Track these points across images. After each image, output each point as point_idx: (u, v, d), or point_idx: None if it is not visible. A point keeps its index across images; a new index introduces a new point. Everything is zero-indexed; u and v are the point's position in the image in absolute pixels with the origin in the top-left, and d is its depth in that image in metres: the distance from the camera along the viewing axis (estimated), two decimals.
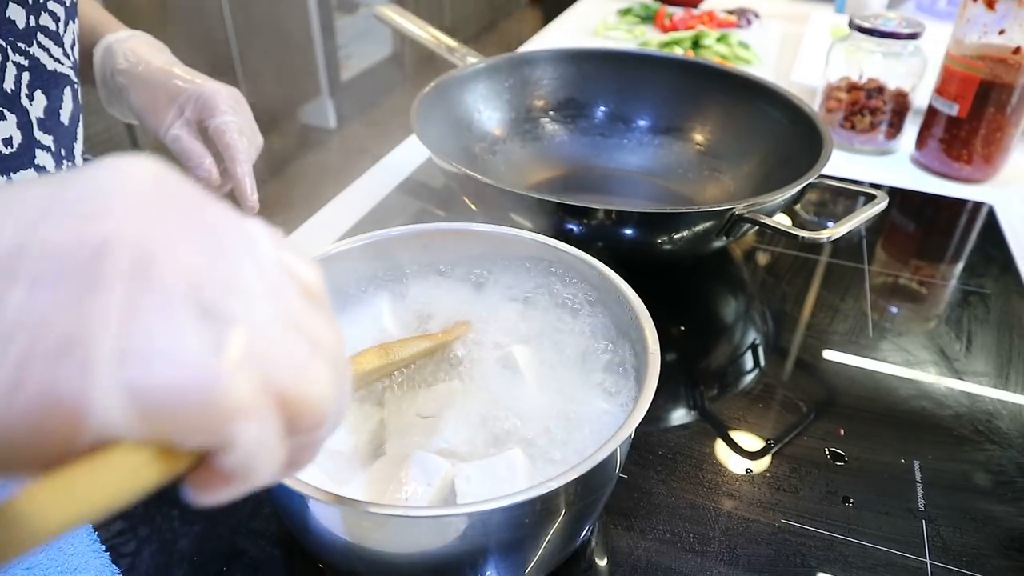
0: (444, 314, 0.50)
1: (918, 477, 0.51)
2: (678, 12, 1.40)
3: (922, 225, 0.85)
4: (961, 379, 0.60)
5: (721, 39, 1.28)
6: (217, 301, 0.19)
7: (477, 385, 0.46)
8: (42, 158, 0.54)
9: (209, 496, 0.20)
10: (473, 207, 0.70)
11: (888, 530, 0.48)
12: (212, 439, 0.19)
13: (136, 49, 0.62)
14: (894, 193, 0.88)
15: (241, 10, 2.31)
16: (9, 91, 0.50)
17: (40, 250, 0.18)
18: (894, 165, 0.96)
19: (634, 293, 0.46)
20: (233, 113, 0.60)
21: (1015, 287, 0.72)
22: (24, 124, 0.52)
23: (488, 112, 0.86)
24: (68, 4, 0.55)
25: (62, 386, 0.17)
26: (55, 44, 0.54)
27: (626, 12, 1.46)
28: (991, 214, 0.84)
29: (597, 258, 0.49)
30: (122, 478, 0.18)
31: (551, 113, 0.90)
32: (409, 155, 0.94)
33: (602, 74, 0.89)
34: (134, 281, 0.18)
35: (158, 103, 0.60)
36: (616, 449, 0.35)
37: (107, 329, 0.17)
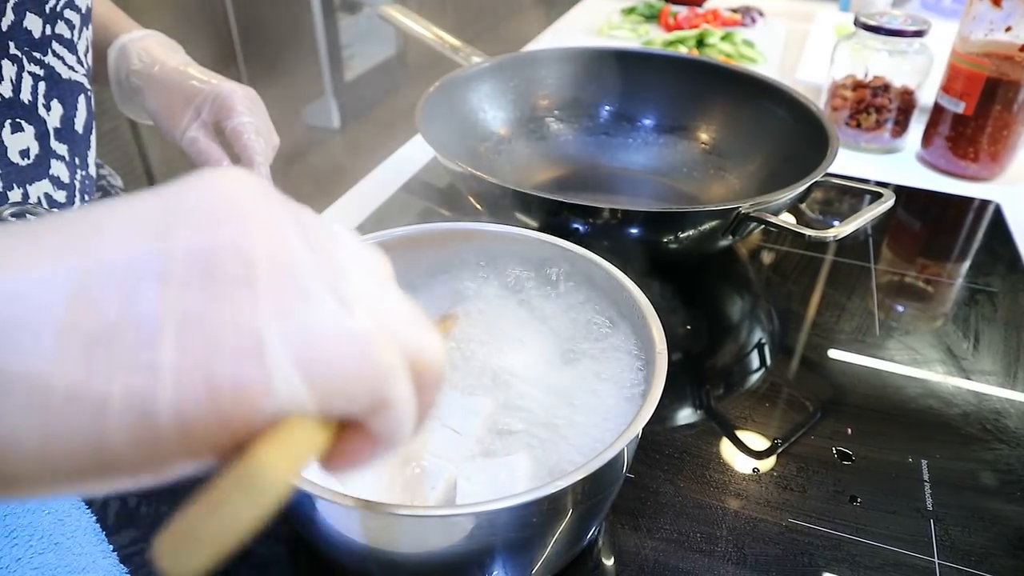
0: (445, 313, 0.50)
1: (926, 476, 0.51)
2: (682, 11, 1.40)
3: (928, 223, 0.84)
4: (969, 378, 0.60)
5: (725, 38, 1.28)
6: (339, 285, 0.21)
7: (480, 385, 0.46)
8: (57, 168, 0.54)
9: (356, 463, 0.22)
10: (478, 206, 0.70)
11: (896, 529, 0.47)
12: (373, 400, 0.21)
13: (150, 49, 0.62)
14: (900, 191, 0.88)
15: (244, 10, 2.31)
16: (27, 102, 0.50)
17: (184, 255, 0.19)
18: (900, 163, 0.95)
19: (640, 292, 0.45)
20: (250, 114, 0.59)
21: (1022, 285, 0.72)
22: (41, 135, 0.52)
23: (493, 111, 0.86)
24: (84, 11, 0.55)
25: (247, 374, 0.19)
26: (69, 52, 0.54)
27: (630, 11, 1.46)
28: (998, 212, 0.84)
29: (603, 257, 0.49)
30: (304, 446, 0.20)
31: (556, 112, 0.90)
32: (414, 155, 0.94)
33: (606, 73, 0.89)
34: (275, 276, 0.20)
35: (174, 105, 0.60)
36: (623, 448, 0.35)
37: (270, 318, 0.19)
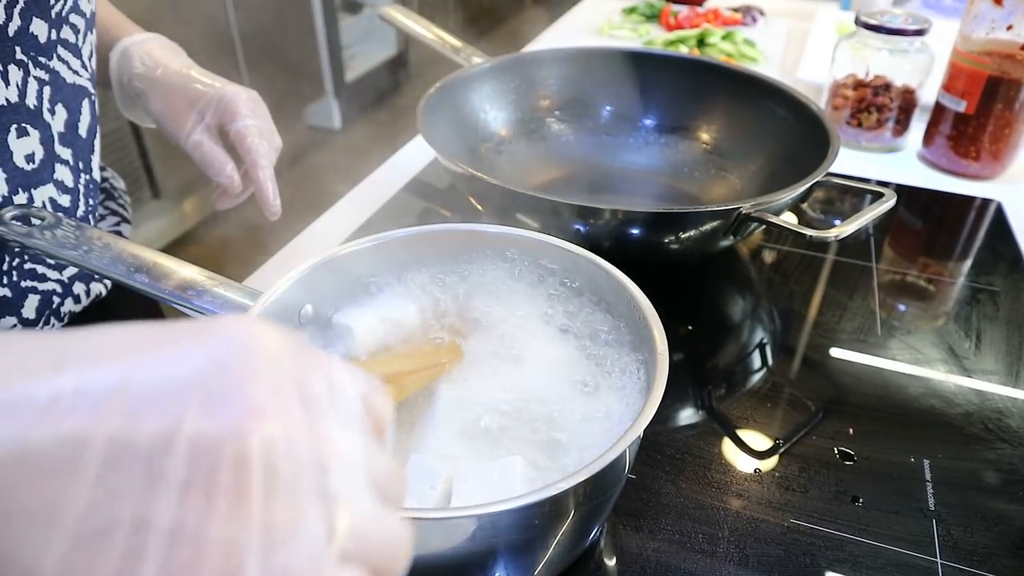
0: (450, 316, 0.50)
1: (928, 476, 0.51)
2: (683, 10, 1.40)
3: (930, 222, 0.84)
4: (970, 377, 0.60)
5: (726, 37, 1.28)
6: (329, 484, 0.20)
7: (480, 386, 0.46)
8: (61, 172, 0.54)
9: None
10: (479, 207, 0.70)
11: (898, 530, 0.47)
12: None
13: (152, 52, 0.62)
14: (901, 191, 0.88)
15: (245, 12, 2.32)
16: (32, 107, 0.50)
17: (187, 449, 0.18)
18: (901, 162, 0.95)
19: (641, 293, 0.45)
20: (253, 116, 0.59)
21: None
22: (46, 139, 0.52)
23: (494, 112, 0.86)
24: (88, 16, 0.55)
25: None
26: (74, 56, 0.54)
27: (631, 11, 1.46)
28: (999, 211, 0.84)
29: (604, 258, 0.49)
30: None
31: (557, 113, 0.90)
32: (415, 156, 0.94)
33: (607, 73, 0.89)
34: (271, 484, 0.19)
35: (178, 108, 0.60)
36: (625, 450, 0.35)
37: (256, 554, 0.18)
